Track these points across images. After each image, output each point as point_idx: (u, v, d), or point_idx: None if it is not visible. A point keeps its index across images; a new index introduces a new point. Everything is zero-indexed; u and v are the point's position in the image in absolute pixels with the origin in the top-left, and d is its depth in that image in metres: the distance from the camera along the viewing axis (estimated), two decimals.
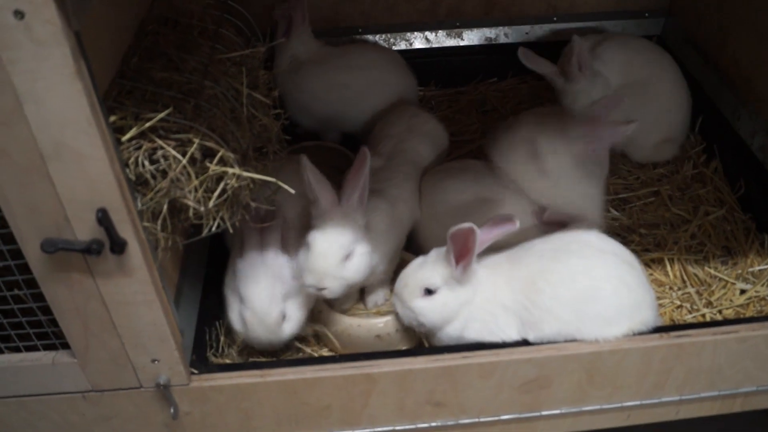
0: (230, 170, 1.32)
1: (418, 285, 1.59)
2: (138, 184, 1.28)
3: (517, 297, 1.58)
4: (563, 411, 1.65)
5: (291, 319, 1.66)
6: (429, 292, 1.57)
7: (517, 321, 1.58)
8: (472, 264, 1.54)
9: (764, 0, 2.01)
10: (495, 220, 1.57)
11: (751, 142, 2.11)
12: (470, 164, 1.96)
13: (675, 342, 1.58)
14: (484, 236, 1.54)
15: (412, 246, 1.90)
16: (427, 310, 1.58)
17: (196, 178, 1.30)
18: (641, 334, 1.58)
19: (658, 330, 1.60)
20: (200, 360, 1.58)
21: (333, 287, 1.56)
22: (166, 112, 1.25)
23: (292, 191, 1.40)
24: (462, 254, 1.53)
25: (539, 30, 2.58)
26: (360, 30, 2.51)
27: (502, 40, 2.58)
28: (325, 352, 1.76)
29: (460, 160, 2.13)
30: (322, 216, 1.59)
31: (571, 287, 1.56)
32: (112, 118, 1.23)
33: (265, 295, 1.62)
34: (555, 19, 2.57)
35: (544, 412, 1.65)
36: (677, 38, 2.54)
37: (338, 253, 1.56)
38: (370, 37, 2.52)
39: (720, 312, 1.81)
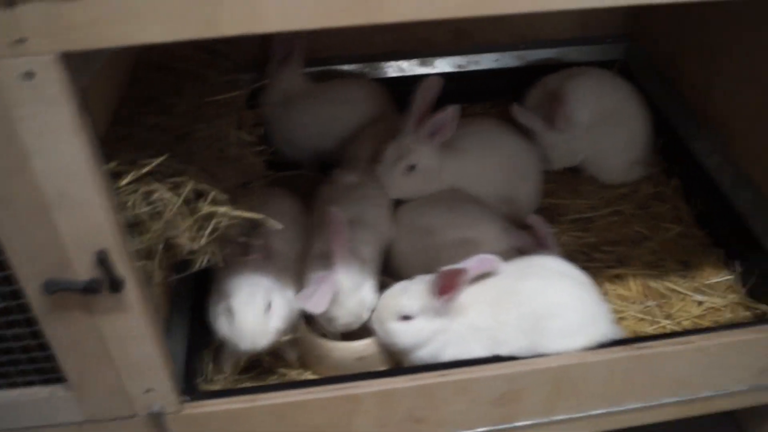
0: (221, 209, 1.43)
1: (396, 310, 1.70)
2: (135, 225, 1.38)
3: (486, 317, 1.70)
4: (535, 422, 1.76)
5: (276, 313, 1.72)
6: (406, 317, 1.68)
7: (488, 340, 1.70)
8: (454, 299, 1.66)
9: (715, 25, 2.14)
10: (480, 261, 1.70)
11: (707, 162, 2.24)
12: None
13: (636, 353, 1.70)
14: (471, 274, 1.68)
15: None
16: (401, 334, 1.70)
17: (191, 215, 1.40)
18: (604, 346, 1.71)
19: (620, 342, 1.72)
20: (190, 388, 1.67)
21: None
22: (162, 158, 1.35)
23: (280, 226, 1.51)
24: (446, 290, 1.64)
25: (508, 57, 2.71)
26: (337, 60, 2.62)
27: (472, 67, 2.70)
28: (309, 375, 1.85)
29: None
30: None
31: (533, 306, 1.69)
32: (110, 165, 1.33)
33: (249, 285, 1.69)
34: (522, 46, 2.70)
35: (517, 424, 1.76)
36: (639, 63, 2.68)
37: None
38: (346, 67, 2.63)
39: (679, 323, 1.94)
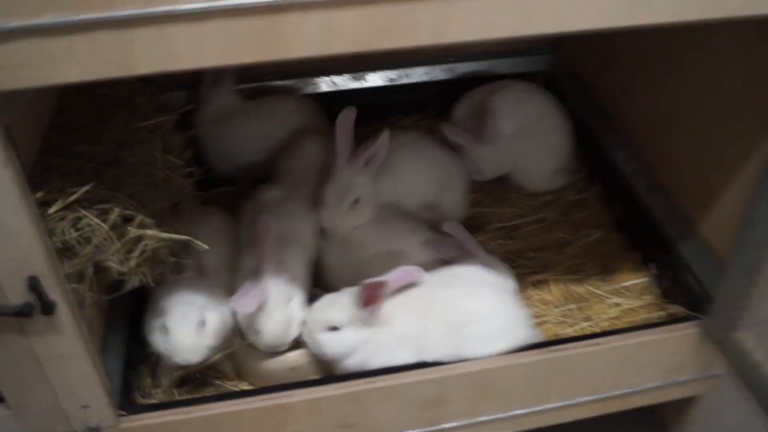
0: (149, 232, 1.49)
1: (324, 321, 1.77)
2: (65, 250, 1.44)
3: (411, 326, 1.79)
4: (461, 423, 1.86)
5: (209, 329, 1.77)
6: (334, 328, 1.76)
7: (414, 347, 1.79)
8: (378, 310, 1.74)
9: (632, 39, 2.26)
10: (403, 272, 1.79)
11: (625, 170, 2.36)
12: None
13: (554, 356, 1.81)
14: (391, 285, 1.76)
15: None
16: (330, 344, 1.77)
17: (118, 240, 1.46)
18: (523, 350, 1.81)
19: (538, 346, 1.82)
20: (128, 402, 1.72)
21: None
22: (87, 187, 1.41)
23: (206, 247, 1.58)
24: (370, 301, 1.73)
25: (437, 70, 2.80)
26: (271, 76, 2.69)
27: (403, 80, 2.79)
28: (244, 387, 1.92)
29: None
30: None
31: (454, 313, 1.79)
32: (39, 195, 1.39)
33: (183, 304, 1.75)
34: (452, 59, 2.79)
35: (444, 426, 1.85)
36: (563, 74, 2.79)
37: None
38: (280, 82, 2.70)
39: (597, 324, 2.04)
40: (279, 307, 1.76)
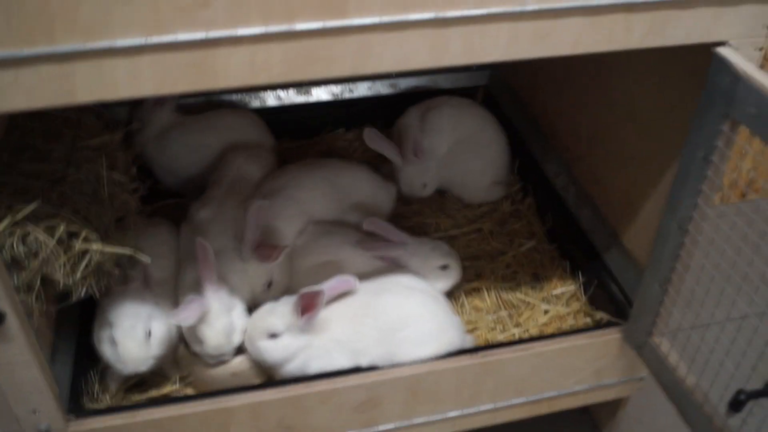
0: (94, 246, 1.58)
1: (263, 328, 1.87)
2: (14, 263, 1.52)
3: (347, 330, 1.90)
4: (396, 425, 1.96)
5: (156, 339, 1.86)
6: (273, 335, 1.85)
7: (350, 352, 1.89)
8: (315, 317, 1.84)
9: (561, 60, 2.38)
10: (338, 281, 1.90)
11: (556, 182, 2.49)
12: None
13: (483, 360, 1.92)
14: (327, 294, 1.86)
15: None
16: (270, 351, 1.86)
17: (64, 254, 1.54)
18: (453, 355, 1.92)
19: (468, 351, 1.94)
20: (76, 407, 1.79)
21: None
22: (34, 205, 1.49)
23: (148, 259, 1.67)
24: (308, 309, 1.82)
25: (379, 85, 2.91)
26: (217, 93, 2.77)
27: (347, 95, 2.89)
28: (189, 391, 2.00)
29: None
30: None
31: (387, 318, 1.90)
32: None
33: (130, 315, 1.83)
34: (394, 75, 2.90)
35: (379, 428, 1.95)
36: (500, 89, 2.92)
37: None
38: (226, 97, 2.79)
39: (527, 331, 2.16)
40: (220, 317, 1.85)
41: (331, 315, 1.90)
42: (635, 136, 2.04)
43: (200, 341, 1.87)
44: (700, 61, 1.51)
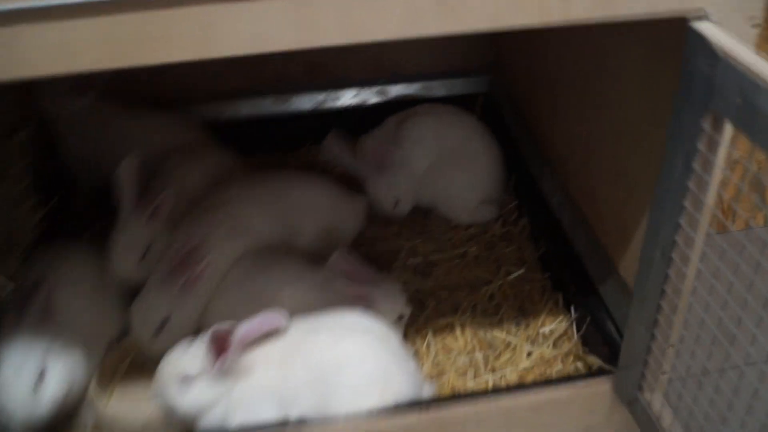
0: None
1: (174, 373, 1.58)
2: None
3: (274, 376, 1.59)
4: None
5: (52, 380, 1.60)
6: (185, 381, 1.56)
7: (278, 401, 1.58)
8: (230, 360, 1.54)
9: (560, 61, 2.04)
10: (263, 319, 1.58)
11: (551, 201, 2.14)
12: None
13: (437, 416, 1.59)
14: (248, 333, 1.56)
15: None
16: (181, 398, 1.57)
17: None
18: (399, 408, 1.59)
19: (417, 404, 1.60)
20: None
21: None
22: None
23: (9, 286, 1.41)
24: (221, 351, 1.53)
25: (367, 92, 2.61)
26: (186, 100, 2.52)
27: (330, 104, 2.60)
28: None
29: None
30: None
31: (320, 360, 1.58)
32: None
33: (18, 355, 1.58)
34: (382, 81, 2.60)
35: None
36: (500, 97, 2.58)
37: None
38: (195, 107, 2.53)
39: (503, 377, 1.81)
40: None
41: (255, 358, 1.60)
42: (626, 147, 1.69)
43: None
44: None
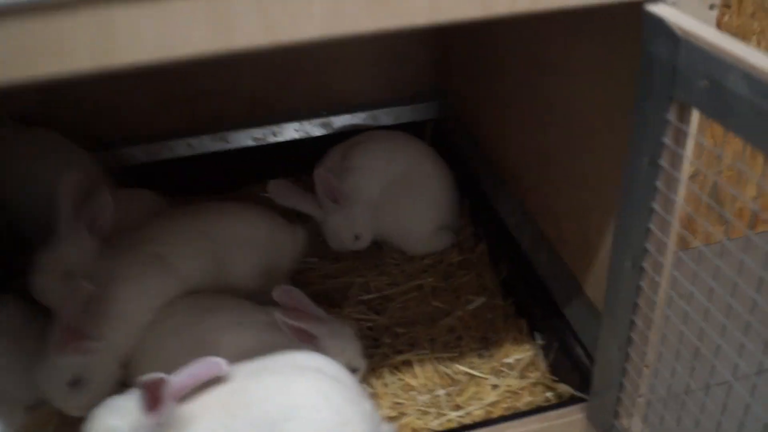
0: None
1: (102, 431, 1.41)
2: None
3: (216, 428, 1.42)
4: None
5: None
6: None
7: None
8: (165, 413, 1.38)
9: (509, 76, 1.95)
10: (202, 365, 1.42)
11: (509, 222, 2.03)
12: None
13: None
14: (184, 382, 1.39)
15: None
16: None
17: None
18: None
19: None
20: None
21: None
22: None
23: None
24: (154, 404, 1.37)
25: (309, 126, 2.49)
26: (115, 143, 2.37)
27: (271, 139, 2.47)
28: None
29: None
30: None
31: (265, 407, 1.42)
32: None
33: None
34: (324, 113, 2.48)
35: None
36: (451, 121, 2.48)
37: None
38: (126, 149, 2.38)
39: (469, 414, 1.68)
40: None
41: (195, 408, 1.44)
42: (583, 152, 1.59)
43: None
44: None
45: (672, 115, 1.05)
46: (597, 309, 1.62)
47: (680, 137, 1.06)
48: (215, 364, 1.43)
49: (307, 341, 1.61)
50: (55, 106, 2.21)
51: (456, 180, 2.22)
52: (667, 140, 1.07)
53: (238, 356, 1.54)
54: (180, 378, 1.39)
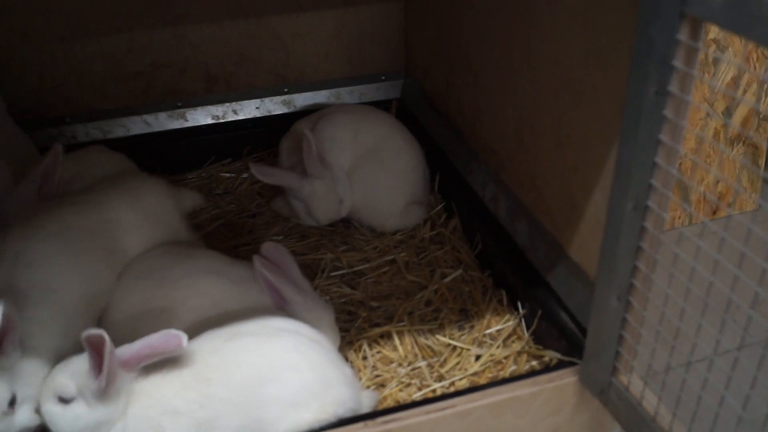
0: None
1: (51, 389, 1.29)
2: None
3: (187, 394, 1.32)
4: None
5: None
6: (63, 400, 1.28)
7: (193, 424, 1.31)
8: (116, 380, 1.27)
9: (475, 48, 1.90)
10: (163, 337, 1.30)
11: (483, 194, 1.97)
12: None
13: (383, 428, 1.36)
14: (137, 352, 1.28)
15: None
16: (57, 419, 1.29)
17: None
18: (344, 423, 1.35)
19: (362, 418, 1.37)
20: None
21: None
22: None
23: None
24: (100, 364, 1.25)
25: (270, 103, 2.40)
26: (68, 119, 2.24)
27: (231, 117, 2.37)
28: None
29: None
30: None
31: (243, 370, 1.33)
32: None
33: None
34: (286, 90, 2.40)
35: None
36: (416, 98, 2.42)
37: None
38: (80, 126, 2.25)
39: (453, 384, 1.60)
40: None
41: (166, 376, 1.33)
42: (570, 112, 1.53)
43: None
44: None
45: (683, 34, 1.00)
46: (584, 271, 1.57)
47: (691, 56, 1.01)
48: (174, 336, 1.30)
49: (280, 303, 1.51)
50: None
51: (425, 154, 2.15)
52: (678, 62, 1.01)
53: (210, 305, 1.47)
54: (133, 347, 1.29)
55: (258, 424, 1.32)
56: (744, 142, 2.24)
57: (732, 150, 2.23)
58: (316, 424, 1.34)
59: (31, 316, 1.42)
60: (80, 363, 1.30)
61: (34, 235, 1.53)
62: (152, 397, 1.32)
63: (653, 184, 1.12)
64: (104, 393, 1.26)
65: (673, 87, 1.04)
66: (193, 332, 1.40)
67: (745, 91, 2.18)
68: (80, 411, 1.28)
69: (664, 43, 1.02)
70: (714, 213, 2.23)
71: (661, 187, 1.12)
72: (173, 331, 1.29)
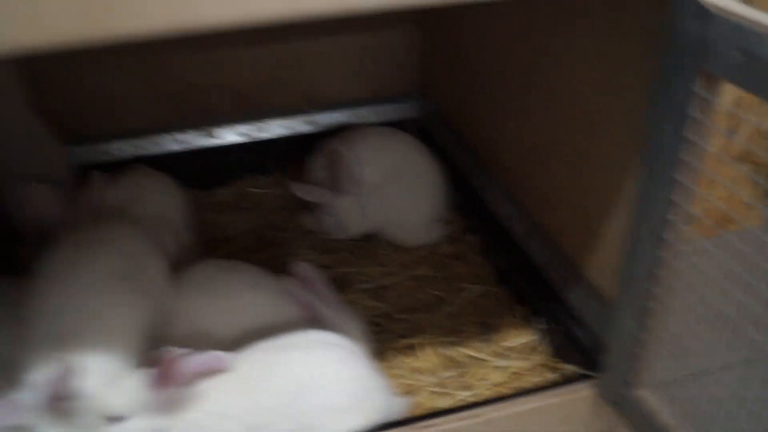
0: None
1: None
2: None
3: (237, 401, 1.43)
4: None
5: None
6: (118, 418, 1.38)
7: (243, 429, 1.42)
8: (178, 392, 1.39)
9: (495, 71, 2.01)
10: (212, 358, 1.41)
11: (501, 213, 2.09)
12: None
13: None
14: (191, 369, 1.38)
15: None
16: None
17: None
18: (387, 427, 1.48)
19: (403, 422, 1.50)
20: None
21: None
22: None
23: None
24: (167, 381, 1.37)
25: (295, 123, 2.52)
26: (107, 137, 2.36)
27: (258, 135, 2.49)
28: None
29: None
30: None
31: (293, 380, 1.45)
32: None
33: None
34: (310, 110, 2.52)
35: None
36: (433, 119, 2.54)
37: None
38: (116, 143, 2.37)
39: (479, 393, 1.72)
40: None
41: (215, 383, 1.44)
42: (584, 137, 1.65)
43: None
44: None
45: (699, 87, 1.11)
46: (598, 290, 1.68)
47: (706, 109, 1.13)
48: (222, 359, 1.42)
49: (312, 317, 1.64)
50: (40, 98, 2.19)
51: (444, 173, 2.28)
52: (694, 112, 1.13)
53: (253, 316, 1.62)
54: (188, 363, 1.38)
55: (305, 430, 1.43)
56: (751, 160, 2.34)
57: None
58: (359, 429, 1.46)
59: None
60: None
61: None
62: (205, 401, 1.42)
63: (669, 218, 1.24)
64: (171, 402, 1.37)
65: (688, 133, 1.16)
66: (241, 342, 1.52)
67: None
68: (137, 427, 1.37)
69: (683, 92, 1.14)
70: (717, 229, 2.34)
71: (677, 222, 1.24)
72: (220, 354, 1.41)
